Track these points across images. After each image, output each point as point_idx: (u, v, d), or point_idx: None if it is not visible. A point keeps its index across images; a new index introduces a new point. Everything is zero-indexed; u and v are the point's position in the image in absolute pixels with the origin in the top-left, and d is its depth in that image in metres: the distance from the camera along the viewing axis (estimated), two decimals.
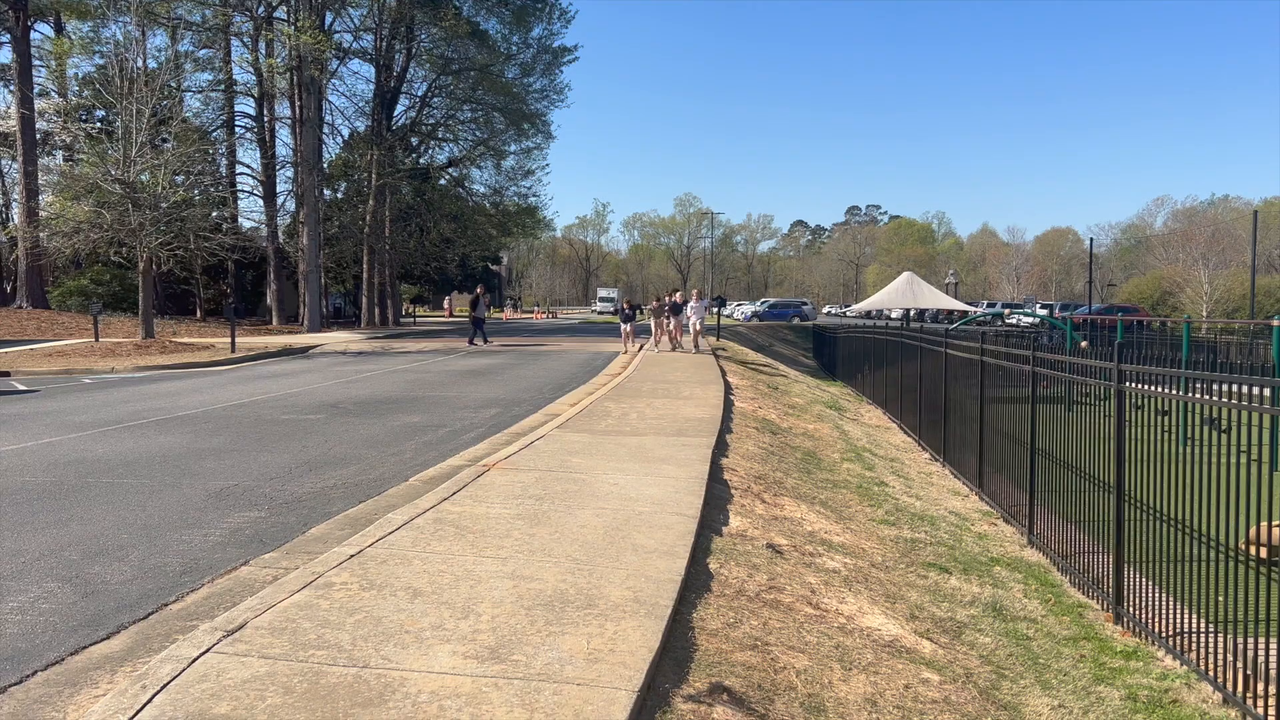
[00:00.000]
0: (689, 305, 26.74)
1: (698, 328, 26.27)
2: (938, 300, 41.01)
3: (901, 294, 39.27)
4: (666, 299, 27.31)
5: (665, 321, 26.58)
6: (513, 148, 52.93)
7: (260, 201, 47.68)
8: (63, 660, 4.35)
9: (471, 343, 30.84)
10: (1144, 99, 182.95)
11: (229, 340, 27.92)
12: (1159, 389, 6.74)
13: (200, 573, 5.68)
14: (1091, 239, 66.14)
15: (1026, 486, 9.36)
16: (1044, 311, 55.40)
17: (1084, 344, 17.04)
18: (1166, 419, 6.94)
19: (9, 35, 42.22)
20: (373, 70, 47.87)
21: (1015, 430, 9.86)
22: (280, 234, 46.49)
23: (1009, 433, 10.12)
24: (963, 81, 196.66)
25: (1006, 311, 58.57)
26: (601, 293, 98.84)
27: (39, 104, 41.84)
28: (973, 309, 51.30)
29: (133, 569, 5.77)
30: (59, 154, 44.75)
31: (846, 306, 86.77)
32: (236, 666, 3.89)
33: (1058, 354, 8.94)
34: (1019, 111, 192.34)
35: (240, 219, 48.34)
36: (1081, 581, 7.81)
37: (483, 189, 54.95)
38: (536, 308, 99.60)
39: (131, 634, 4.68)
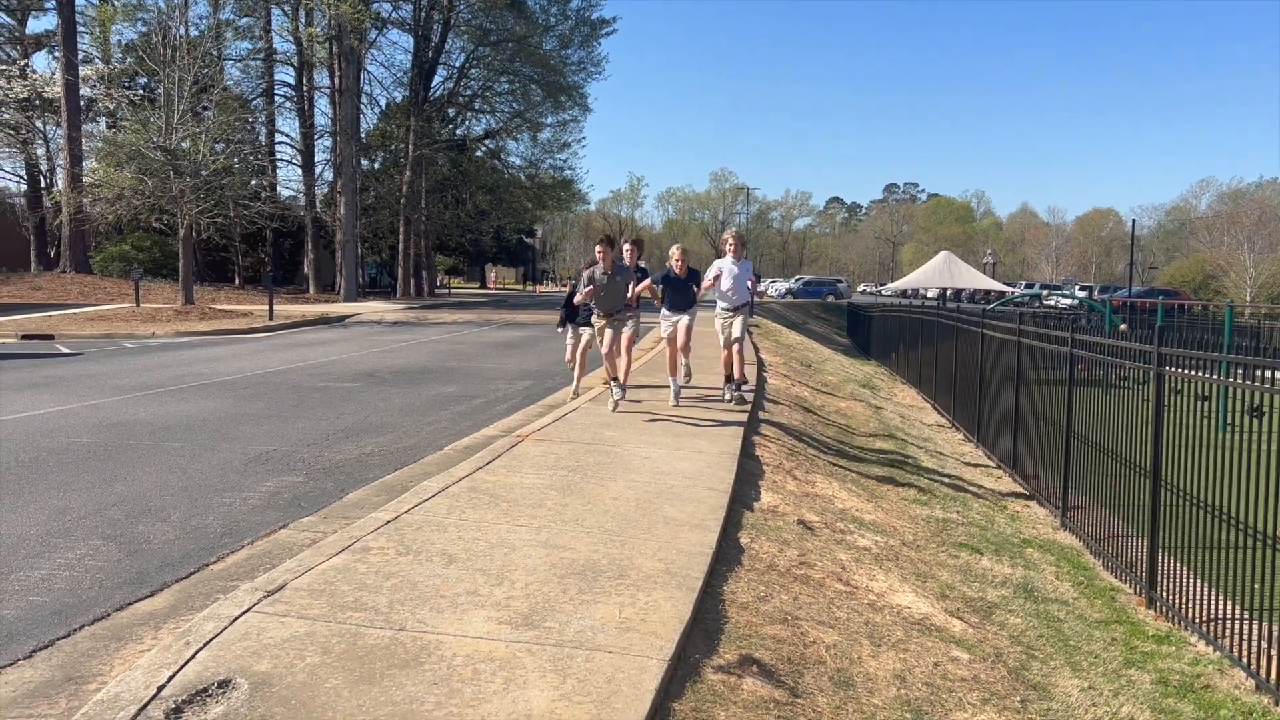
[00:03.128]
0: (719, 273, 10.91)
1: (735, 344, 11.01)
2: (975, 280, 40.62)
3: (938, 273, 38.91)
4: (603, 259, 10.30)
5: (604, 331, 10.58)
6: (549, 120, 52.85)
7: (299, 170, 48.07)
8: (108, 615, 4.46)
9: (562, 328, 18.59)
10: (1191, 79, 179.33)
11: (267, 308, 28.24)
12: (1199, 373, 6.67)
13: (240, 534, 5.80)
14: (1134, 220, 65.09)
15: (1061, 469, 9.31)
16: (1083, 293, 54.69)
17: (1123, 327, 16.83)
18: (1206, 404, 6.86)
19: (55, 1, 42.67)
20: (411, 40, 47.99)
21: (1051, 412, 9.79)
22: (318, 203, 46.82)
23: (1044, 415, 10.05)
24: (1006, 60, 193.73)
25: (1045, 293, 57.90)
26: (642, 263, 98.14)
27: (83, 70, 42.26)
28: (1010, 289, 50.75)
29: (175, 529, 5.90)
30: (102, 120, 45.28)
31: (882, 285, 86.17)
32: (276, 626, 3.98)
33: (1096, 336, 8.85)
34: (1063, 91, 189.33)
35: (279, 188, 48.70)
36: (1114, 565, 7.77)
37: (519, 161, 54.98)
38: (570, 281, 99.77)
39: (174, 592, 4.79)
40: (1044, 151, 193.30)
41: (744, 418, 10.10)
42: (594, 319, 10.53)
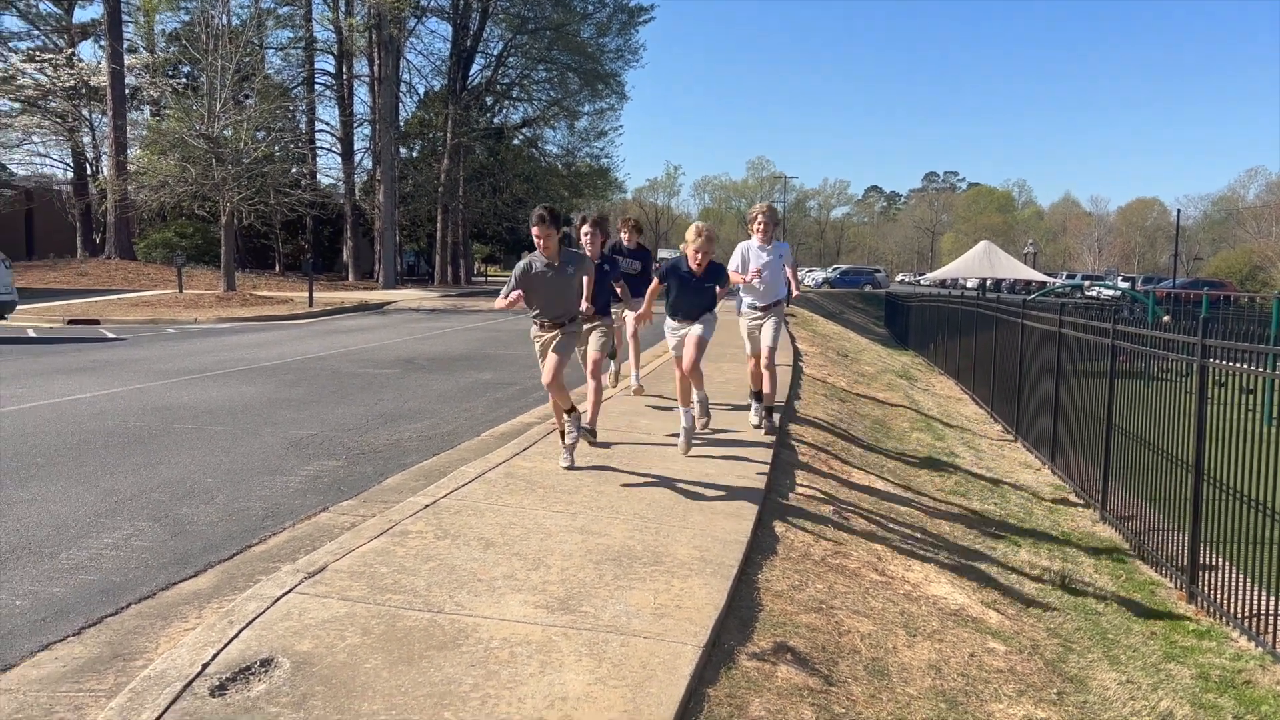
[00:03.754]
0: (745, 261, 8.55)
1: (766, 351, 8.48)
2: (1015, 270, 40.20)
3: (978, 263, 38.57)
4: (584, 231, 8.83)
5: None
6: (586, 108, 52.86)
7: (338, 159, 48.47)
8: (154, 595, 4.56)
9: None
10: (1241, 67, 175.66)
11: (307, 295, 28.55)
12: (1244, 366, 6.57)
13: (281, 517, 5.89)
14: (1179, 210, 64.12)
15: (1101, 462, 9.21)
16: (1126, 284, 53.92)
17: (1166, 318, 16.59)
18: (1251, 397, 6.76)
19: None
20: (449, 29, 48.17)
21: (1091, 404, 9.68)
22: (357, 191, 47.18)
23: (1085, 407, 9.94)
24: (1050, 47, 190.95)
25: (1087, 283, 57.14)
26: (662, 254, 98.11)
27: (128, 59, 42.82)
28: (1051, 280, 50.14)
29: (218, 511, 6.00)
30: (146, 109, 45.89)
31: (920, 275, 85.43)
32: (318, 607, 4.04)
33: (1138, 328, 8.74)
34: (1108, 79, 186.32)
35: (319, 176, 49.14)
36: (1155, 559, 7.69)
37: (555, 150, 55.06)
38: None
39: (218, 572, 4.88)
40: (1087, 140, 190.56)
41: (780, 406, 10.08)
42: (532, 331, 6.96)
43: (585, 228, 8.67)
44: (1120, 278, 65.60)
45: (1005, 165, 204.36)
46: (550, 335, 6.77)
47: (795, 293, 8.64)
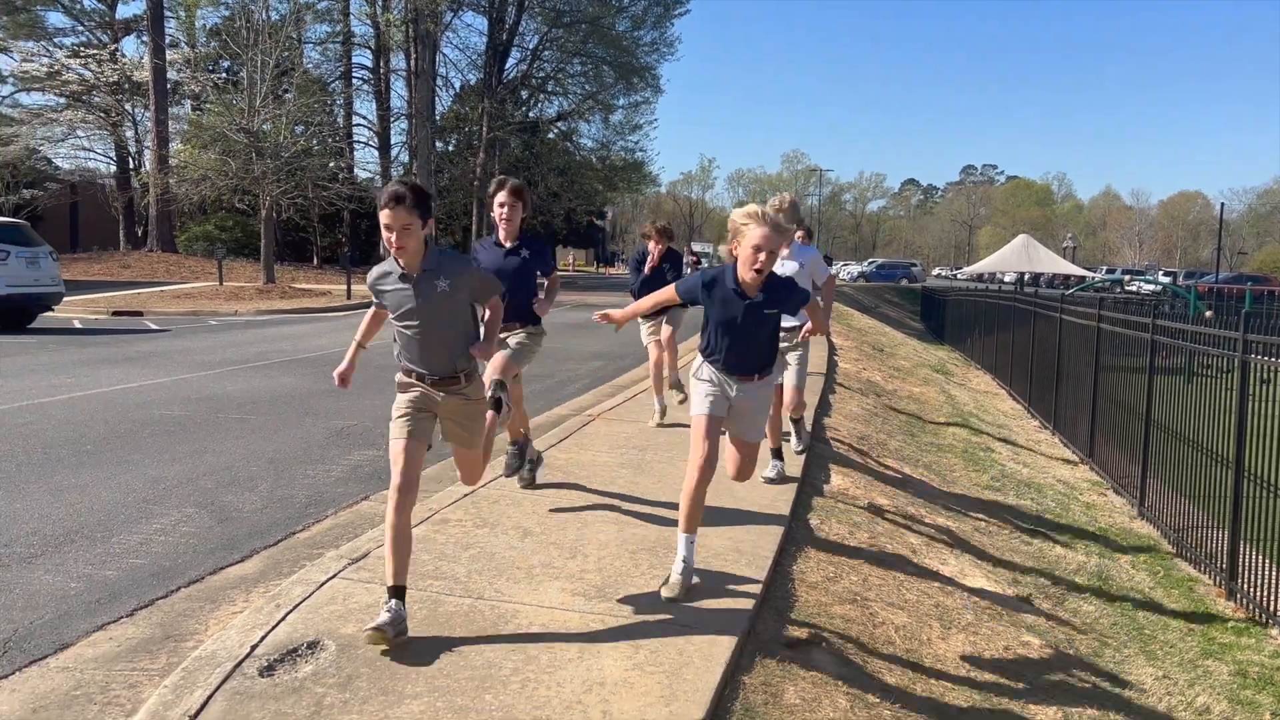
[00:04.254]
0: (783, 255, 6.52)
1: (790, 394, 7.03)
2: (1054, 264, 39.78)
3: (1016, 257, 38.20)
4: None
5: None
6: (621, 101, 52.87)
7: (375, 153, 48.87)
8: (202, 579, 4.68)
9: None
10: None
11: (344, 287, 28.84)
12: None
13: (324, 505, 6.01)
14: (1222, 204, 63.04)
15: (1139, 458, 9.14)
16: (1167, 279, 53.18)
17: (1208, 314, 16.39)
18: None
19: None
20: (485, 23, 48.37)
21: (1130, 400, 9.61)
22: None
23: (1123, 403, 9.87)
24: (1090, 38, 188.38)
25: (1127, 278, 56.42)
26: (695, 247, 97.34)
27: (169, 54, 43.43)
28: (1091, 274, 49.57)
29: (262, 498, 6.13)
30: (187, 103, 46.50)
31: (957, 269, 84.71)
32: (361, 591, 4.14)
33: (1179, 323, 8.66)
34: (1150, 70, 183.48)
35: (356, 169, 49.56)
36: (1193, 556, 7.63)
37: (590, 143, 55.14)
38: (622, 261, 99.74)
39: (263, 558, 5.00)
40: (1129, 133, 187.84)
41: (814, 401, 10.09)
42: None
43: (501, 196, 5.88)
44: (1161, 272, 64.70)
45: (1045, 158, 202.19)
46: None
47: (820, 327, 5.61)
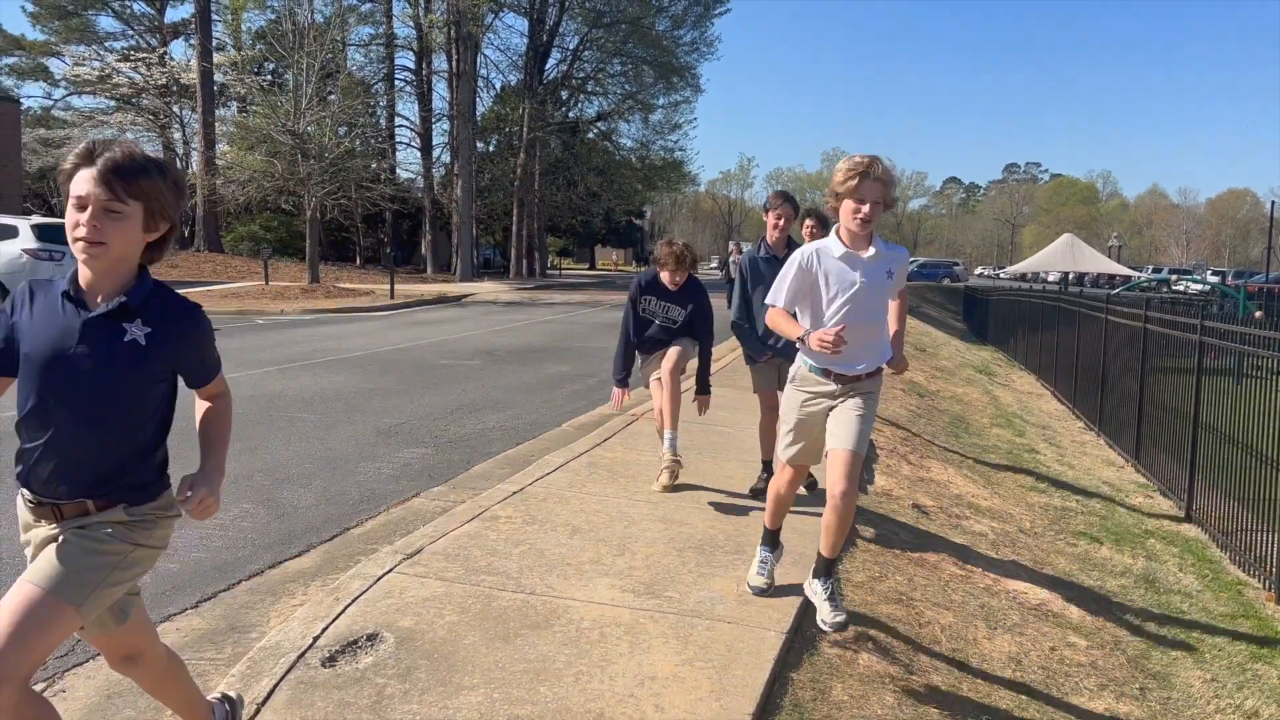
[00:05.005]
0: (819, 275, 4.06)
1: (843, 462, 3.97)
2: (1099, 264, 39.25)
3: (1060, 257, 37.71)
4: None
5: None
6: (661, 101, 52.99)
7: (417, 153, 49.36)
8: (262, 573, 4.82)
9: None
10: None
11: (388, 287, 29.14)
12: None
13: (376, 501, 6.14)
14: (1273, 202, 61.70)
15: (1186, 460, 9.05)
16: (1215, 279, 52.27)
17: (1258, 314, 16.13)
18: None
19: None
20: (526, 24, 48.65)
21: (1177, 402, 9.52)
22: (435, 185, 47.96)
23: (1170, 404, 9.78)
24: (1135, 33, 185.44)
25: (1174, 278, 55.53)
26: (742, 246, 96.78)
27: (216, 57, 44.19)
28: (1136, 274, 48.87)
29: (316, 495, 6.28)
30: (234, 105, 47.28)
31: (1000, 268, 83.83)
32: (417, 586, 4.25)
33: (1227, 324, 8.58)
34: (1196, 66, 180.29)
35: (398, 170, 50.07)
36: (1242, 559, 7.56)
37: (629, 143, 55.32)
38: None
39: (320, 553, 5.13)
40: (1176, 130, 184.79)
41: None
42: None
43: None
44: (1210, 272, 63.59)
45: (1089, 156, 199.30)
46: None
47: (896, 356, 4.48)
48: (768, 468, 6.08)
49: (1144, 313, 10.85)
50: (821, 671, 3.84)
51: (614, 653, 3.68)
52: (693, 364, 6.62)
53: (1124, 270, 42.64)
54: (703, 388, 6.54)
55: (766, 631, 3.98)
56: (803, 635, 4.12)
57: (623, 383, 6.50)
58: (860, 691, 3.74)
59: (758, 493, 5.88)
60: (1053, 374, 17.61)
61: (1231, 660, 5.56)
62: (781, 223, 6.02)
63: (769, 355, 6.13)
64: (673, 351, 6.18)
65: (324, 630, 3.77)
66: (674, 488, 6.08)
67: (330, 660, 3.54)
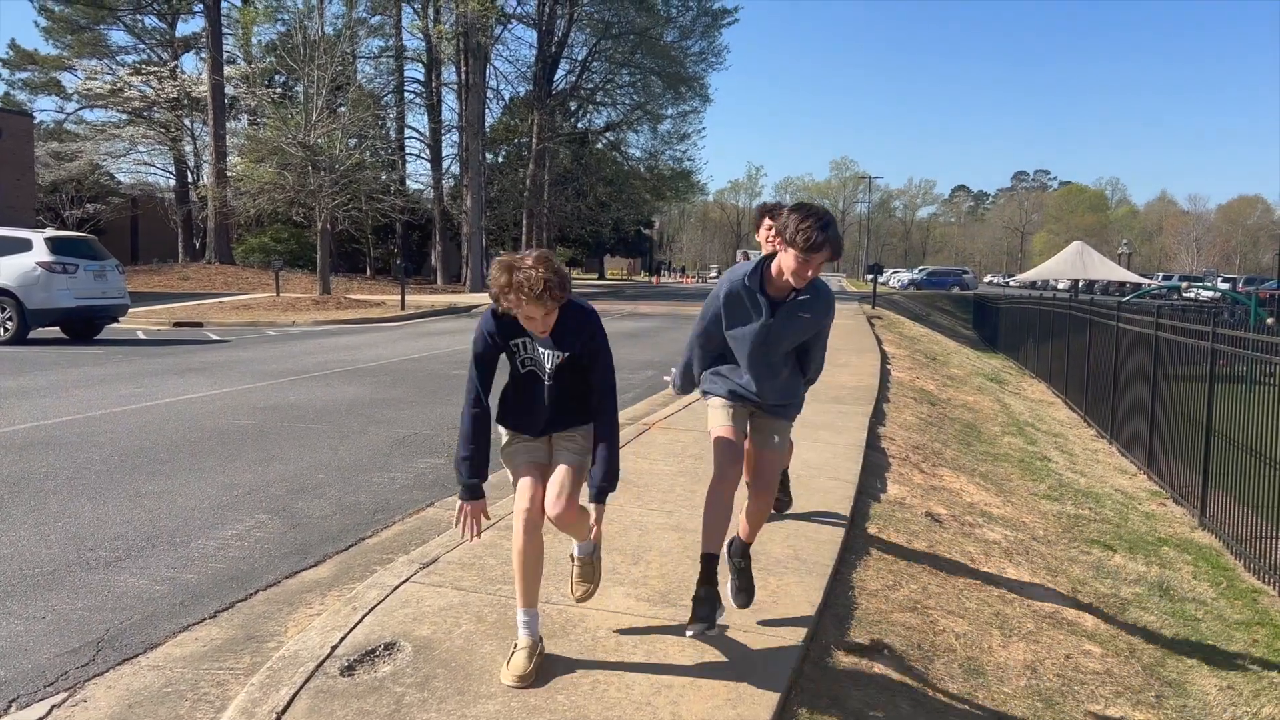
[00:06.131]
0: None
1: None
2: (1109, 272, 39.18)
3: (1070, 264, 37.64)
4: None
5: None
6: (669, 111, 53.21)
7: (427, 165, 49.57)
8: (279, 582, 4.85)
9: None
10: None
11: (399, 298, 29.27)
12: None
13: (391, 511, 6.18)
14: None
15: (1199, 467, 9.04)
16: (1226, 285, 52.09)
17: (1270, 320, 16.08)
18: None
19: (202, 4, 45.02)
20: (534, 35, 48.88)
21: (1189, 409, 9.51)
22: (445, 196, 48.15)
23: (1182, 411, 9.76)
24: (1142, 43, 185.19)
25: (1184, 285, 55.36)
26: (751, 254, 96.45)
27: (227, 70, 44.48)
28: (1147, 281, 48.75)
29: (331, 505, 6.31)
30: (244, 118, 47.56)
31: (1010, 276, 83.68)
32: (433, 595, 4.27)
33: (1239, 330, 8.57)
34: (1205, 73, 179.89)
35: (408, 181, 50.27)
36: (1257, 567, 7.54)
37: (638, 153, 55.54)
38: (683, 272, 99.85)
39: (336, 562, 5.16)
40: (1185, 137, 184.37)
41: (868, 410, 10.10)
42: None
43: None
44: (1220, 278, 63.38)
45: (1098, 163, 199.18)
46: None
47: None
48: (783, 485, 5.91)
49: (1155, 320, 10.84)
50: (837, 680, 3.85)
51: (630, 661, 3.69)
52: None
53: (1134, 277, 42.57)
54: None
55: (782, 639, 3.99)
56: (818, 644, 4.13)
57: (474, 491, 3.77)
58: (876, 700, 3.75)
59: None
60: (1064, 382, 17.59)
61: (1247, 667, 5.55)
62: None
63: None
64: (562, 473, 3.70)
65: (342, 639, 3.80)
66: (687, 501, 6.10)
67: (349, 669, 3.57)
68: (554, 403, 3.78)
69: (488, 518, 3.83)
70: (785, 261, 3.81)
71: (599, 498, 3.64)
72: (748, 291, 4.05)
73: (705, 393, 4.39)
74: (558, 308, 3.51)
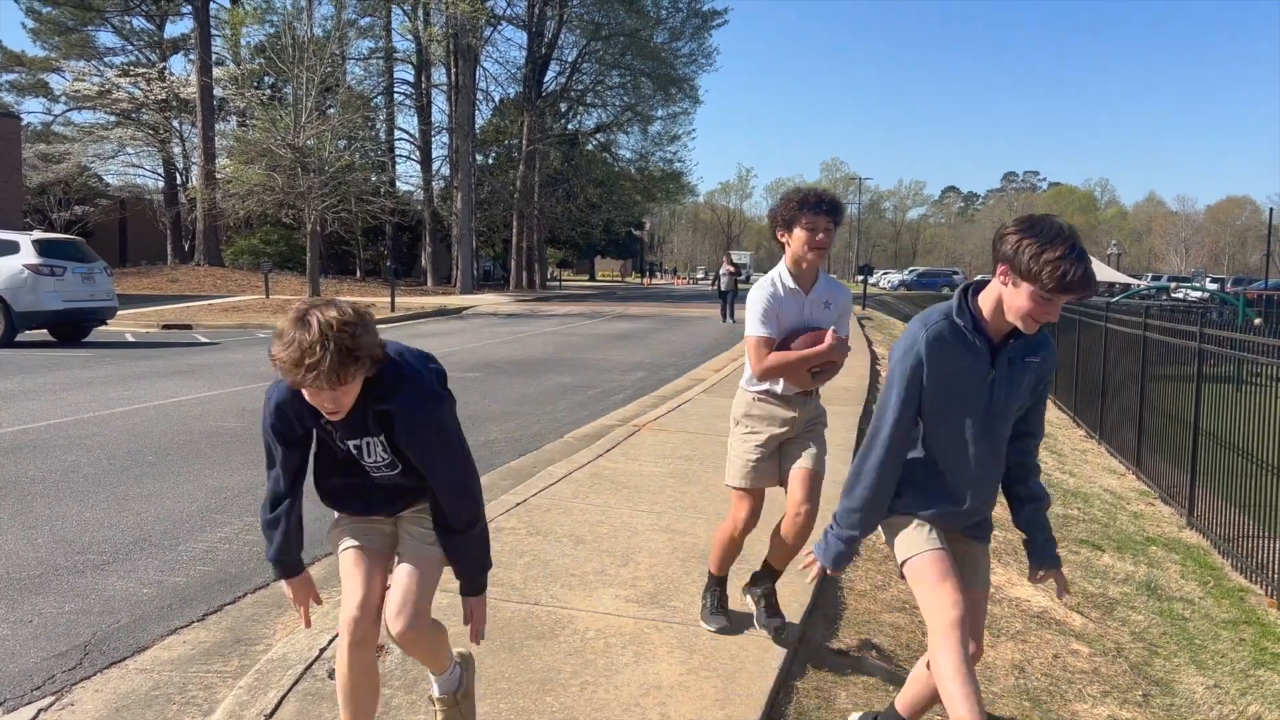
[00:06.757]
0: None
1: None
2: (1099, 272, 39.30)
3: None
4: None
5: None
6: (659, 113, 53.29)
7: (417, 166, 49.50)
8: (267, 585, 4.84)
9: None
10: None
11: (388, 300, 29.20)
12: None
13: None
14: (1271, 209, 61.92)
15: (1187, 467, 9.08)
16: (1214, 286, 52.34)
17: (1257, 321, 16.17)
18: None
19: (190, 5, 44.88)
20: (524, 36, 48.87)
21: (1177, 409, 9.55)
22: (435, 198, 48.08)
23: (1170, 411, 9.80)
24: (1132, 44, 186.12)
25: (1173, 285, 55.60)
26: (735, 256, 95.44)
27: (216, 72, 44.35)
28: (1136, 282, 48.97)
29: (320, 509, 6.27)
30: (233, 120, 47.42)
31: None
32: None
33: (1226, 330, 8.61)
34: (1194, 74, 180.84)
35: (398, 183, 50.19)
36: (1245, 566, 7.58)
37: (629, 154, 55.60)
38: (675, 273, 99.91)
39: (324, 565, 5.14)
40: (1173, 138, 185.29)
41: (859, 410, 10.12)
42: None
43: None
44: (1209, 279, 63.67)
45: (1087, 164, 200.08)
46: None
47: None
48: None
49: (1143, 320, 10.89)
50: (826, 679, 3.85)
51: (619, 662, 3.70)
52: None
53: (1123, 278, 42.77)
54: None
55: (771, 640, 3.99)
56: (807, 644, 4.14)
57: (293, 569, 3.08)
58: (864, 699, 3.76)
59: None
60: (1053, 382, 17.64)
61: (1234, 667, 5.58)
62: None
63: None
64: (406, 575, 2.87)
65: (330, 642, 3.79)
66: (677, 502, 6.10)
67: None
68: (389, 488, 2.85)
69: (319, 602, 3.05)
70: (1015, 300, 2.65)
71: (474, 589, 2.79)
72: (956, 333, 2.80)
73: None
74: (356, 383, 2.48)
